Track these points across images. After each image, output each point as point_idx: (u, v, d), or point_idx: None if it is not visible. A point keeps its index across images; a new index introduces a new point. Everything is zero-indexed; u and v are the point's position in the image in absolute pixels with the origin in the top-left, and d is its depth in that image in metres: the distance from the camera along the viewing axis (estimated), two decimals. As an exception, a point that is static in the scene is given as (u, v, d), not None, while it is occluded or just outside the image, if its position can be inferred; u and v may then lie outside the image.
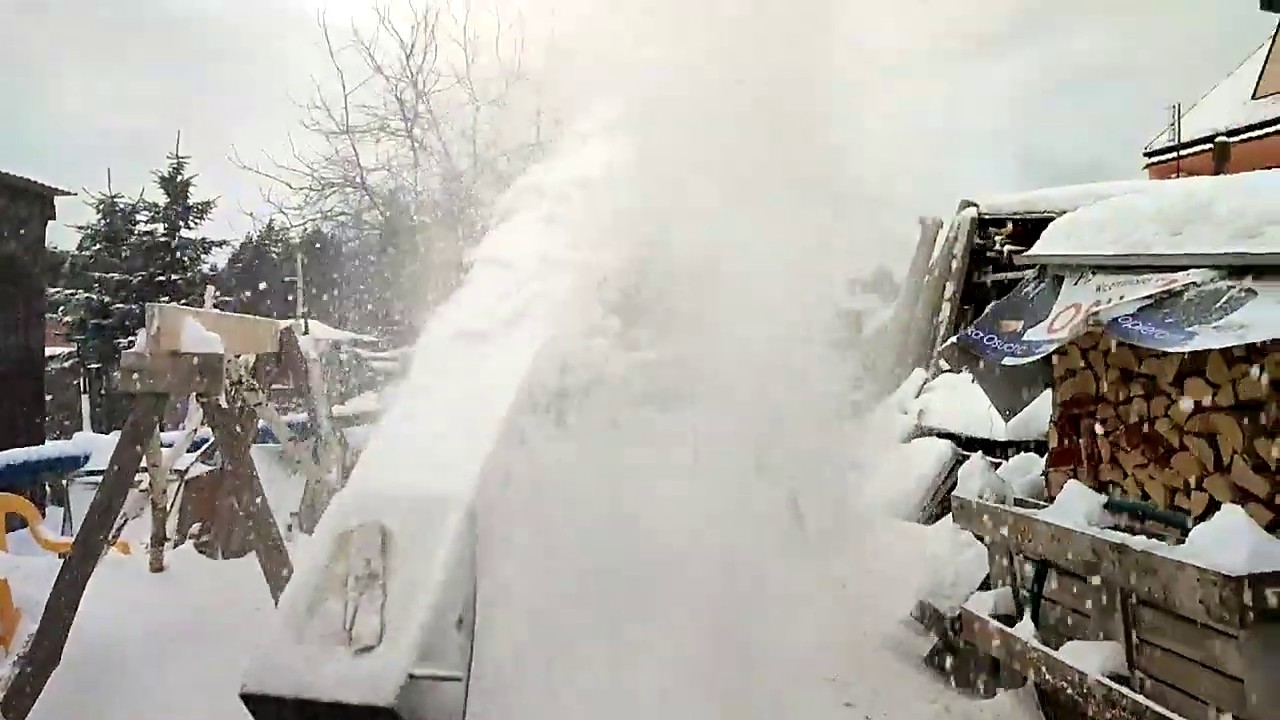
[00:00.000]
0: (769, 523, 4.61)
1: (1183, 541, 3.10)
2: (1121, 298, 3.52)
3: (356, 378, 13.93)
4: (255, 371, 6.25)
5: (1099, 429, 4.07)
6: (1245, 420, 3.28)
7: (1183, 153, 15.70)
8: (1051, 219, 4.73)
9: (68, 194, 14.63)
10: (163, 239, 20.50)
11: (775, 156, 4.82)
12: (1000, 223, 8.48)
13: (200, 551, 7.19)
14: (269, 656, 2.21)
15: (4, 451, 9.52)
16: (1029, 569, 4.19)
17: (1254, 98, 17.64)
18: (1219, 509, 3.09)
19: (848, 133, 5.10)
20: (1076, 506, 3.69)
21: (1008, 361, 4.09)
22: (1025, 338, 4.08)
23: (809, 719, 4.28)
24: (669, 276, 4.69)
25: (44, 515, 8.86)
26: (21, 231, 13.67)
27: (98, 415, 15.44)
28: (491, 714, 2.43)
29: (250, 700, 2.22)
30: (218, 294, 16.24)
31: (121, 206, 20.62)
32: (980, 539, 4.81)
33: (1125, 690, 3.26)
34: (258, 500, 4.91)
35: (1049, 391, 4.62)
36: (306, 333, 10.48)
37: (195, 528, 7.54)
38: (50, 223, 14.57)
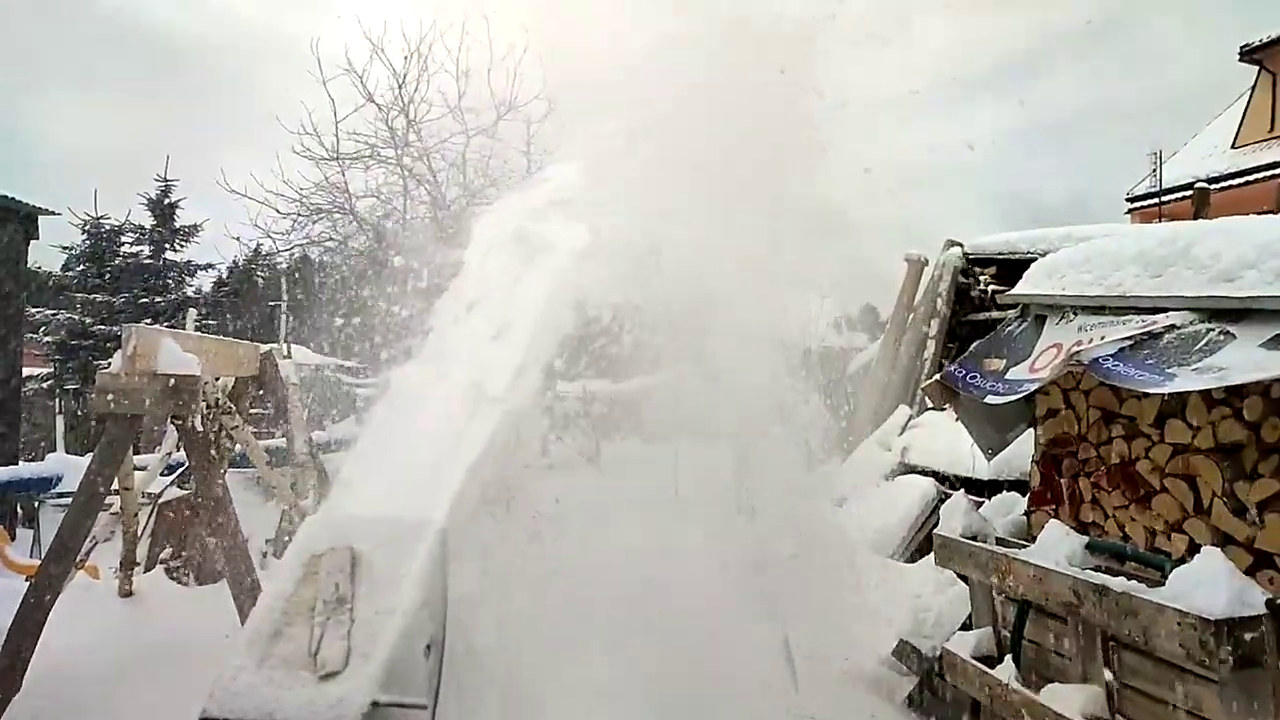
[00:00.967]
0: (749, 559, 4.57)
1: (1163, 584, 3.08)
2: (1103, 338, 3.53)
3: (338, 403, 13.83)
4: (234, 395, 6.18)
5: (1080, 469, 4.07)
6: (1225, 463, 3.28)
7: (1164, 198, 16.00)
8: (1034, 259, 4.77)
9: (52, 214, 14.54)
10: (148, 261, 20.43)
11: (763, 195, 4.86)
12: (984, 262, 8.56)
13: (171, 577, 7.06)
14: (231, 682, 2.15)
15: (-26, 472, 9.36)
16: (1010, 609, 4.16)
17: (1234, 146, 18.05)
18: (1199, 551, 3.08)
19: (835, 172, 5.15)
20: (1057, 547, 3.66)
21: (990, 400, 4.09)
22: (1008, 377, 4.08)
23: (787, 759, 4.22)
24: (655, 311, 4.70)
25: (13, 537, 8.69)
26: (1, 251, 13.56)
27: (72, 437, 15.22)
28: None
29: None
30: (200, 318, 16.15)
31: (107, 228, 20.54)
32: (962, 578, 4.78)
33: (1106, 734, 3.21)
34: (230, 526, 4.83)
35: (1031, 431, 4.62)
36: (288, 357, 10.41)
37: (166, 553, 7.40)
38: (33, 242, 14.46)
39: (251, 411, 7.87)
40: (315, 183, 17.67)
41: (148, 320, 18.08)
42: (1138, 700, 3.38)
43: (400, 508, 2.39)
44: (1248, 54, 17.60)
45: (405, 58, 16.96)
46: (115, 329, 17.56)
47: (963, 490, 5.30)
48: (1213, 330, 3.18)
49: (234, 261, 23.91)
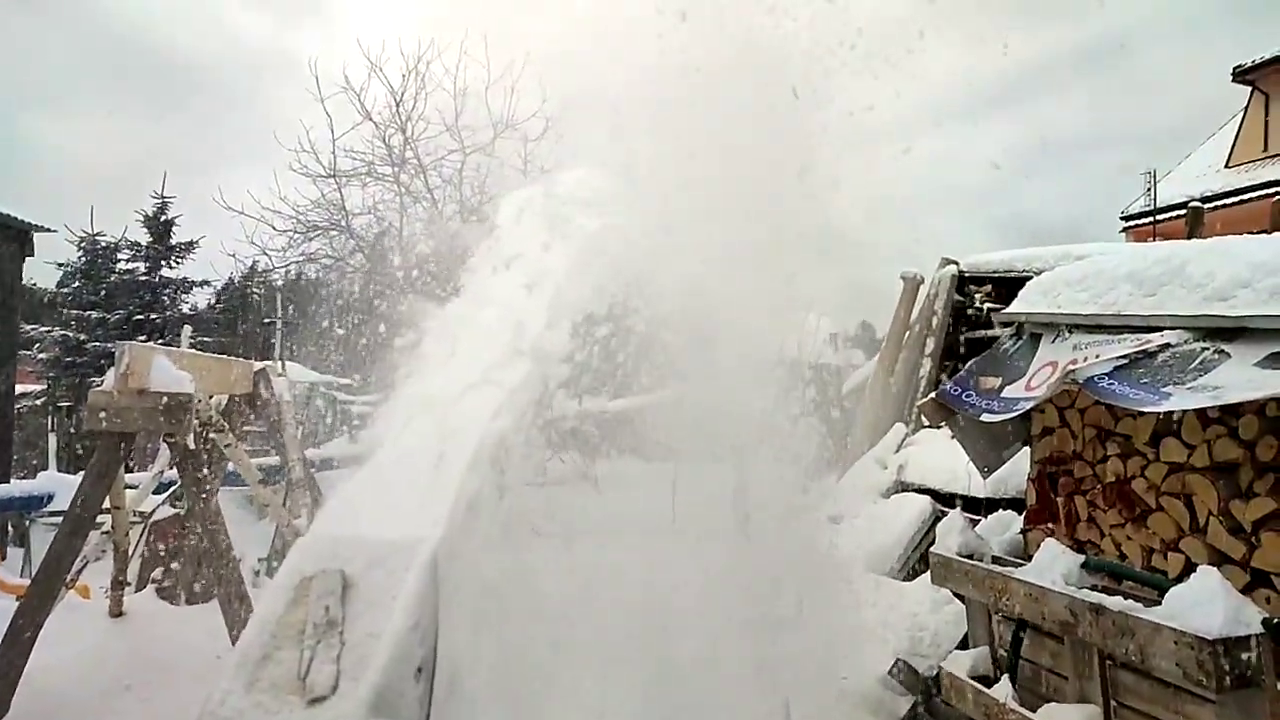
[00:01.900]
0: (745, 579, 4.54)
1: (1160, 603, 3.07)
2: (1098, 356, 3.54)
3: (333, 421, 13.79)
4: (227, 413, 6.16)
5: (1076, 488, 4.06)
6: (1221, 481, 3.28)
7: (1159, 217, 16.12)
8: (1030, 278, 4.78)
9: (47, 230, 14.54)
10: (143, 278, 20.40)
11: (761, 213, 4.87)
12: (980, 280, 8.59)
13: (162, 597, 7.01)
14: (219, 706, 2.12)
15: (-34, 491, 9.30)
16: (1007, 628, 4.14)
17: (1227, 166, 18.21)
18: (1195, 570, 3.07)
19: (832, 191, 5.17)
20: (1054, 566, 3.65)
21: (986, 418, 4.09)
22: (1003, 395, 4.08)
23: (784, 781, 4.18)
24: (651, 328, 4.70)
25: (4, 556, 8.63)
26: (-6, 267, 13.55)
27: (65, 454, 15.15)
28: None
29: None
30: (195, 334, 16.12)
31: (103, 244, 20.54)
32: (959, 597, 4.76)
33: (1104, 756, 3.19)
34: (222, 545, 4.80)
35: (1027, 449, 4.62)
36: (283, 374, 10.38)
37: (158, 572, 7.35)
38: (28, 259, 14.44)
39: (245, 429, 7.83)
40: (312, 200, 17.70)
41: (142, 337, 18.06)
42: (1135, 720, 3.36)
43: (391, 529, 2.37)
44: (1240, 75, 17.79)
45: (403, 76, 17.03)
46: (110, 346, 17.52)
47: (959, 508, 5.29)
48: (1207, 349, 3.19)
49: (230, 278, 23.92)
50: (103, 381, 5.06)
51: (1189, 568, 3.29)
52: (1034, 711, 3.68)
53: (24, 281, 15.28)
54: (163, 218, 20.75)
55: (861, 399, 9.29)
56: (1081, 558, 3.73)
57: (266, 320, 17.96)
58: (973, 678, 4.23)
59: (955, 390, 4.42)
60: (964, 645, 4.76)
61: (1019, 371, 4.14)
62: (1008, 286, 7.54)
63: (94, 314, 19.54)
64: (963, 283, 8.65)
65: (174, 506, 7.68)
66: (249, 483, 7.04)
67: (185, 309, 21.67)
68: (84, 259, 20.55)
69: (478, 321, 3.47)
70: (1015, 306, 4.50)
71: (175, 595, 7.32)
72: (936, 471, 6.60)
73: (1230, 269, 3.28)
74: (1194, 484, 3.39)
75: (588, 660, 2.99)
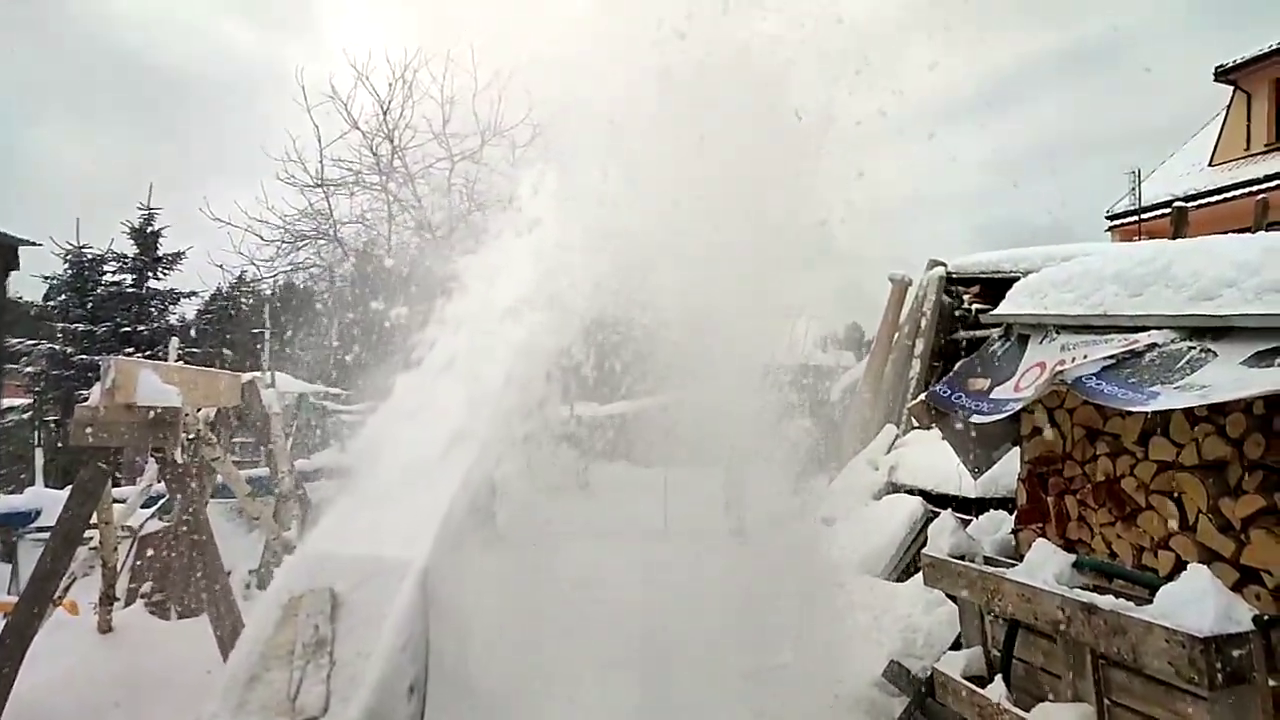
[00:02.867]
0: (738, 583, 4.54)
1: (1151, 601, 3.08)
2: (1085, 357, 3.55)
3: (323, 431, 13.71)
4: (215, 425, 6.12)
5: (1066, 487, 4.07)
6: (1209, 479, 3.29)
7: (1144, 217, 16.23)
8: (1017, 278, 4.79)
9: (33, 244, 14.44)
10: (130, 289, 20.28)
11: (750, 216, 4.88)
12: (968, 281, 8.62)
13: (151, 612, 6.95)
14: (208, 727, 2.10)
15: (-50, 507, 9.21)
16: (1000, 629, 4.15)
17: (1211, 164, 18.35)
18: (1186, 568, 3.08)
19: (821, 194, 5.18)
20: (1045, 566, 3.65)
21: (975, 419, 4.10)
22: (992, 396, 4.09)
23: (780, 785, 4.17)
24: (643, 332, 4.70)
25: (-10, 573, 8.53)
26: (-20, 282, 13.43)
27: (52, 469, 15.02)
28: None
29: None
30: (183, 346, 16.02)
31: (89, 256, 20.40)
32: (951, 598, 4.77)
33: (1098, 756, 3.19)
34: (211, 559, 4.76)
35: (1017, 449, 4.63)
36: (272, 385, 10.33)
37: (147, 587, 7.29)
38: (14, 273, 14.34)
39: (234, 441, 7.79)
40: (300, 209, 17.66)
41: (130, 349, 17.95)
42: (1128, 718, 3.37)
43: (380, 547, 2.35)
44: (1223, 74, 17.94)
45: (390, 84, 17.03)
46: (96, 358, 17.36)
47: (950, 509, 5.29)
48: (1194, 348, 3.20)
49: (218, 289, 23.83)
50: (89, 396, 5.02)
51: (1179, 566, 3.30)
52: (1028, 711, 3.69)
53: (10, 295, 15.16)
54: (149, 229, 20.63)
55: (852, 401, 9.31)
56: (1073, 557, 3.74)
57: (255, 331, 17.86)
58: (966, 678, 4.23)
59: (945, 392, 4.43)
60: (957, 646, 4.76)
61: (1007, 372, 4.15)
62: (995, 287, 7.57)
63: (81, 327, 19.40)
64: (951, 284, 8.68)
65: (163, 520, 7.62)
66: (238, 495, 6.99)
67: (173, 320, 21.56)
68: (70, 272, 20.41)
69: (467, 333, 3.45)
70: (1003, 308, 4.52)
71: (165, 610, 7.26)
72: (927, 472, 6.61)
73: (1215, 268, 3.30)
74: (1183, 482, 3.40)
75: (581, 670, 2.97)
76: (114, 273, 20.72)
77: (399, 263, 16.12)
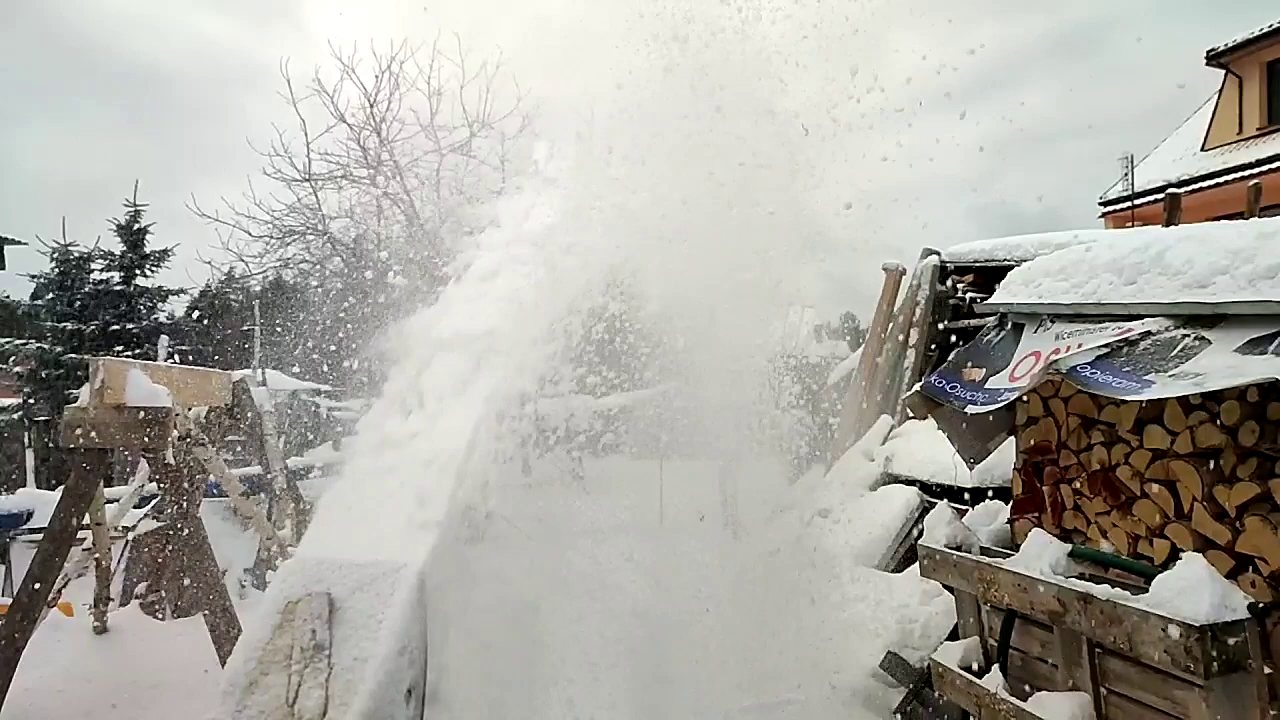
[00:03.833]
0: (735, 575, 4.54)
1: (1146, 589, 3.09)
2: (1079, 346, 3.55)
3: (316, 428, 13.68)
4: (206, 424, 6.08)
5: (1061, 476, 4.08)
6: (1204, 467, 3.29)
7: (1137, 202, 16.27)
8: (1011, 267, 4.79)
9: (18, 243, 14.33)
10: (118, 287, 20.13)
11: (744, 207, 4.86)
12: (962, 270, 8.61)
13: (146, 612, 6.92)
14: (206, 733, 2.09)
15: (-59, 509, 9.13)
16: (997, 619, 4.16)
17: (1203, 149, 18.39)
18: (1181, 556, 3.09)
19: (815, 187, 5.17)
20: (1041, 555, 3.66)
21: (970, 410, 4.09)
22: (987, 386, 4.09)
23: (779, 777, 4.18)
24: (638, 324, 4.68)
25: (-18, 575, 8.49)
26: (-35, 282, 13.32)
27: (43, 470, 14.94)
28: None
29: None
30: (172, 344, 15.93)
31: (76, 255, 20.25)
32: (948, 588, 4.78)
33: (1096, 744, 3.21)
34: (205, 558, 4.74)
35: (1012, 438, 4.63)
36: (263, 383, 10.28)
37: (141, 587, 7.26)
38: (0, 272, 14.23)
39: (226, 440, 7.74)
40: (288, 205, 17.54)
41: (119, 347, 17.84)
42: (1125, 706, 3.38)
43: (378, 550, 2.33)
44: (1214, 58, 17.95)
45: (376, 77, 16.88)
46: (86, 358, 17.20)
47: (946, 500, 5.30)
48: (1188, 336, 3.20)
49: (207, 285, 23.69)
50: (78, 396, 4.98)
51: (1174, 554, 3.31)
52: (1025, 700, 3.70)
53: (-5, 295, 15.06)
54: (136, 226, 20.48)
55: (847, 391, 9.31)
56: (1068, 546, 3.75)
57: (245, 328, 17.77)
58: (963, 668, 4.25)
59: (940, 382, 4.42)
60: (954, 636, 4.78)
61: (1002, 362, 4.15)
62: (990, 275, 7.56)
63: (69, 325, 19.27)
64: (945, 273, 8.67)
65: (156, 520, 7.59)
66: (230, 494, 6.96)
67: (162, 318, 21.39)
68: (57, 270, 20.26)
69: (461, 327, 3.43)
70: (997, 297, 4.51)
71: (160, 610, 7.24)
72: (923, 463, 6.62)
73: (1208, 256, 3.30)
74: (1178, 470, 3.41)
75: (579, 670, 2.96)
76: (101, 270, 20.57)
77: (389, 257, 16.04)
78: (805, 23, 4.91)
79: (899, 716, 5.01)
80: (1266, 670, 2.84)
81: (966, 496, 5.79)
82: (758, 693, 4.09)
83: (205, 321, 23.71)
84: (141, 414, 4.65)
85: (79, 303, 19.81)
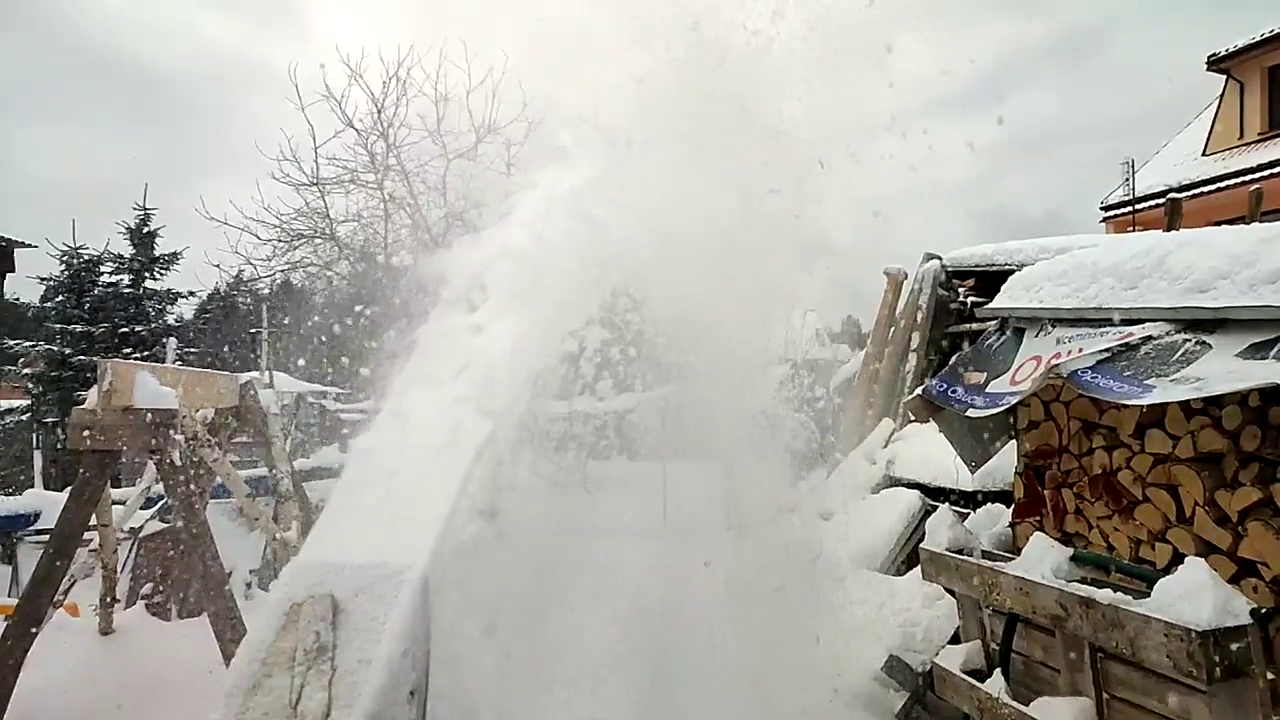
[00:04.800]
0: (737, 579, 4.55)
1: (1148, 594, 3.09)
2: (1080, 350, 3.56)
3: (323, 430, 13.72)
4: (213, 426, 6.12)
5: (1063, 480, 4.08)
6: (1206, 472, 3.30)
7: (1138, 207, 16.25)
8: (1012, 271, 4.80)
9: (29, 246, 14.42)
10: (127, 290, 20.22)
11: (747, 210, 4.87)
12: (963, 274, 8.61)
13: (152, 613, 6.95)
14: (210, 734, 2.11)
15: (-51, 510, 9.19)
16: (998, 623, 4.16)
17: (1204, 154, 18.35)
18: (1183, 561, 3.09)
19: (817, 187, 5.18)
20: (1043, 559, 3.67)
21: (971, 413, 4.11)
22: (988, 390, 4.10)
23: (781, 780, 4.19)
24: (640, 327, 4.69)
25: (-10, 576, 8.53)
26: (-24, 285, 13.41)
27: (52, 471, 15.01)
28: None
29: None
30: (181, 346, 15.99)
31: (85, 258, 20.35)
32: (950, 592, 4.78)
33: (1097, 748, 3.21)
34: (211, 560, 4.76)
35: (1013, 442, 4.64)
36: (270, 385, 10.33)
37: (147, 588, 7.29)
38: (9, 275, 14.32)
39: (233, 441, 7.78)
40: (295, 208, 17.63)
41: (128, 350, 17.92)
42: (1126, 711, 3.38)
43: (381, 552, 2.35)
44: (1215, 64, 17.93)
45: (384, 82, 16.97)
46: (95, 360, 17.25)
47: (947, 503, 5.31)
48: (1189, 341, 3.21)
49: (215, 288, 23.80)
50: (86, 399, 5.01)
51: (1176, 559, 3.31)
52: (1027, 705, 3.70)
53: (7, 297, 15.14)
54: (145, 229, 20.57)
55: (848, 394, 9.31)
56: (1070, 550, 3.75)
57: (253, 330, 17.84)
58: (965, 672, 4.25)
59: (941, 386, 4.44)
60: (956, 640, 4.78)
61: (1003, 366, 4.16)
62: (991, 280, 7.56)
63: (78, 328, 19.35)
64: (946, 277, 8.67)
65: (162, 521, 7.62)
66: (236, 496, 6.99)
67: (171, 320, 21.49)
68: (67, 273, 20.36)
69: (465, 330, 3.44)
70: (998, 301, 4.52)
71: (165, 611, 7.28)
72: (925, 466, 6.62)
73: (1209, 261, 3.31)
74: (1179, 475, 3.41)
75: (582, 671, 2.98)
76: (111, 273, 20.66)
77: (397, 260, 16.09)
78: (816, 29, 4.92)
79: (902, 720, 5.01)
80: (1269, 676, 2.84)
81: (969, 500, 5.79)
82: (760, 694, 4.09)
83: (214, 324, 23.80)
84: (149, 416, 4.68)
85: (88, 305, 19.90)
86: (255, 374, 9.36)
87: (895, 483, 7.01)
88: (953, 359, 4.72)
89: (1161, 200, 11.05)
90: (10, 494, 12.94)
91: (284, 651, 2.15)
